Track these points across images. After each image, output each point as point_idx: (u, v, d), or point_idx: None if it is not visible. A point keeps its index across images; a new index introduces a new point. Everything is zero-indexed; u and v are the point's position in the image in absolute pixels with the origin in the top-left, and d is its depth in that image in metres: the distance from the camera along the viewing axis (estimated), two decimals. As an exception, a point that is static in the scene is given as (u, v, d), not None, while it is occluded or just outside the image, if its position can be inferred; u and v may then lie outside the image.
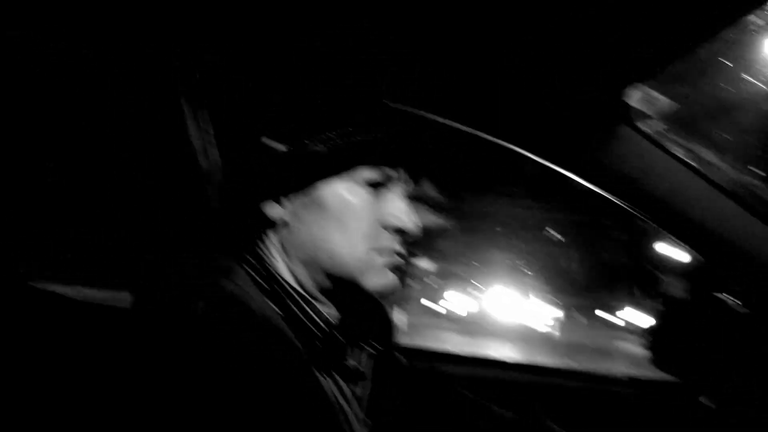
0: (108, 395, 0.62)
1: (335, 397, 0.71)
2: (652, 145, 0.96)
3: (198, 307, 0.62)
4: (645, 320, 12.81)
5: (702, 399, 1.08)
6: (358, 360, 0.77)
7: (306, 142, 0.70)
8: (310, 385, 0.67)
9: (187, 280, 0.67)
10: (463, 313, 10.86)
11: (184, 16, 0.96)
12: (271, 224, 0.73)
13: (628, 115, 0.95)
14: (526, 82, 0.98)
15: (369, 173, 0.72)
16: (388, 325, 0.91)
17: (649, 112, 0.98)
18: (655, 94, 0.95)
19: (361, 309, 0.85)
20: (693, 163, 0.96)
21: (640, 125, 0.97)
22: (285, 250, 0.74)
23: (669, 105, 0.97)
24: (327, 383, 0.71)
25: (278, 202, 0.73)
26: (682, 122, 1.02)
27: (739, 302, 1.06)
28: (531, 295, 12.21)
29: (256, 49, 1.00)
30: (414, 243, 0.78)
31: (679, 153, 0.97)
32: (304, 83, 0.74)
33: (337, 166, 0.71)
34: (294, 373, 0.65)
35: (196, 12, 0.95)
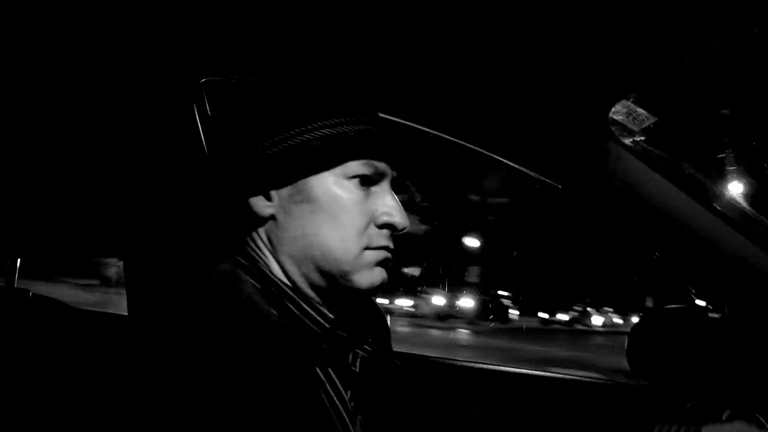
0: (108, 395, 0.62)
1: (331, 396, 0.70)
2: (636, 158, 0.96)
3: (211, 309, 0.62)
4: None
5: (700, 399, 1.08)
6: (352, 359, 0.77)
7: (294, 133, 0.68)
8: (308, 384, 0.67)
9: (187, 280, 0.67)
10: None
11: (184, 16, 0.96)
12: (259, 220, 0.71)
13: (613, 131, 0.96)
14: (526, 82, 0.98)
15: (359, 168, 0.69)
16: (381, 325, 0.90)
17: (633, 127, 0.98)
18: (639, 108, 0.95)
19: (354, 307, 0.83)
20: (674, 176, 0.96)
21: (625, 140, 0.97)
22: (272, 245, 0.71)
23: (652, 119, 0.97)
24: (324, 382, 0.71)
25: (266, 196, 0.71)
26: (663, 136, 1.02)
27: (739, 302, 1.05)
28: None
29: (256, 49, 1.00)
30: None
31: (661, 166, 0.97)
32: (304, 83, 0.74)
33: (327, 159, 0.69)
34: (294, 371, 0.65)
35: (195, 12, 0.95)
